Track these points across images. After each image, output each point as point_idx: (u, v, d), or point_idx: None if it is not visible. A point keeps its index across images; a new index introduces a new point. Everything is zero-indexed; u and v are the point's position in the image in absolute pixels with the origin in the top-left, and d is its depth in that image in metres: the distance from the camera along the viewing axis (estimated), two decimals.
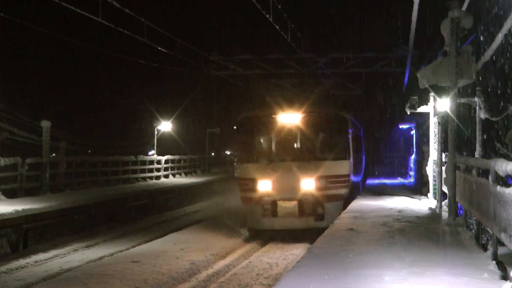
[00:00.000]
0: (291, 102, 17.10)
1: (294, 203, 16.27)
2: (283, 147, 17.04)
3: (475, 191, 9.12)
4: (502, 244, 7.55)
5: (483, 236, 10.08)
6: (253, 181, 16.60)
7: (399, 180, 30.05)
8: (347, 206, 16.07)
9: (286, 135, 16.99)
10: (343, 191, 17.06)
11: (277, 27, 19.97)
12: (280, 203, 16.38)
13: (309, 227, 16.06)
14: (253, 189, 16.59)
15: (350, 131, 17.71)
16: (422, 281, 6.76)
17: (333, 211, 15.84)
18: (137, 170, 27.79)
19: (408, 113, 17.42)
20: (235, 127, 17.85)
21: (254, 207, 16.54)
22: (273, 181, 16.40)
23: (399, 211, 14.32)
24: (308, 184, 16.35)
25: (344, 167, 17.05)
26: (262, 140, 17.54)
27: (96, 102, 49.90)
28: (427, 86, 12.40)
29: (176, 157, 33.12)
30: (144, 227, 19.05)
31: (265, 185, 16.46)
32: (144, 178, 28.14)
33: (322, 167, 16.47)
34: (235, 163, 18.14)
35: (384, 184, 26.68)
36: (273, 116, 17.01)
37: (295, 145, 17.12)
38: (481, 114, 13.01)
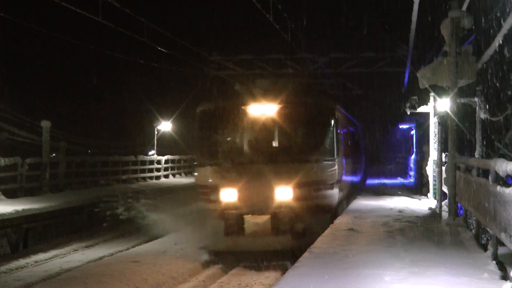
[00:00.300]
0: (265, 90, 13.94)
1: (266, 218, 12.83)
2: (253, 146, 13.53)
3: (475, 191, 9.12)
4: (502, 244, 7.56)
5: (483, 236, 10.09)
6: (213, 189, 13.24)
7: (399, 180, 30.06)
8: (335, 219, 13.35)
9: (257, 131, 13.60)
10: (331, 201, 13.87)
11: (277, 27, 20.00)
12: (248, 217, 12.93)
13: (285, 248, 12.42)
14: (213, 200, 13.25)
15: (340, 126, 14.61)
16: (422, 281, 6.76)
17: (317, 227, 12.49)
18: (137, 170, 27.83)
19: (408, 113, 17.42)
20: (194, 121, 14.43)
21: (215, 222, 13.30)
22: (240, 189, 13.01)
23: (399, 211, 14.33)
24: (285, 193, 12.94)
25: (331, 170, 13.65)
26: (227, 138, 14.11)
27: (96, 102, 49.87)
28: (427, 86, 12.41)
29: (176, 157, 33.14)
30: (144, 227, 19.04)
31: (229, 195, 13.07)
32: (144, 178, 28.17)
33: (303, 171, 13.03)
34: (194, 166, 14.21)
35: (384, 184, 26.69)
36: (242, 107, 13.62)
37: (269, 144, 13.74)
38: (481, 114, 13.03)
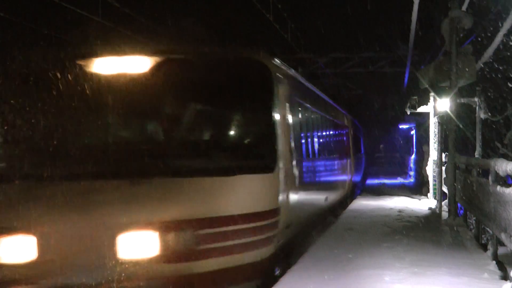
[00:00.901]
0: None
1: None
2: (87, 143, 7.07)
3: (475, 191, 9.13)
4: (502, 244, 7.57)
5: (483, 236, 10.09)
6: None
7: (399, 180, 30.06)
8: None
9: (101, 113, 6.94)
10: (255, 255, 6.74)
11: (277, 27, 20.01)
12: None
13: None
14: None
15: (291, 103, 8.40)
16: (423, 281, 6.76)
17: None
18: None
19: (408, 113, 17.44)
20: None
21: None
22: (43, 238, 6.03)
23: (399, 211, 14.32)
24: (142, 246, 6.05)
25: (261, 190, 6.94)
26: (36, 126, 6.88)
27: None
28: (427, 86, 12.43)
29: None
30: None
31: (18, 249, 6.11)
32: None
33: (191, 196, 6.36)
34: None
35: (384, 184, 26.70)
36: (77, 63, 6.99)
37: (123, 138, 7.28)
38: (481, 114, 13.03)
